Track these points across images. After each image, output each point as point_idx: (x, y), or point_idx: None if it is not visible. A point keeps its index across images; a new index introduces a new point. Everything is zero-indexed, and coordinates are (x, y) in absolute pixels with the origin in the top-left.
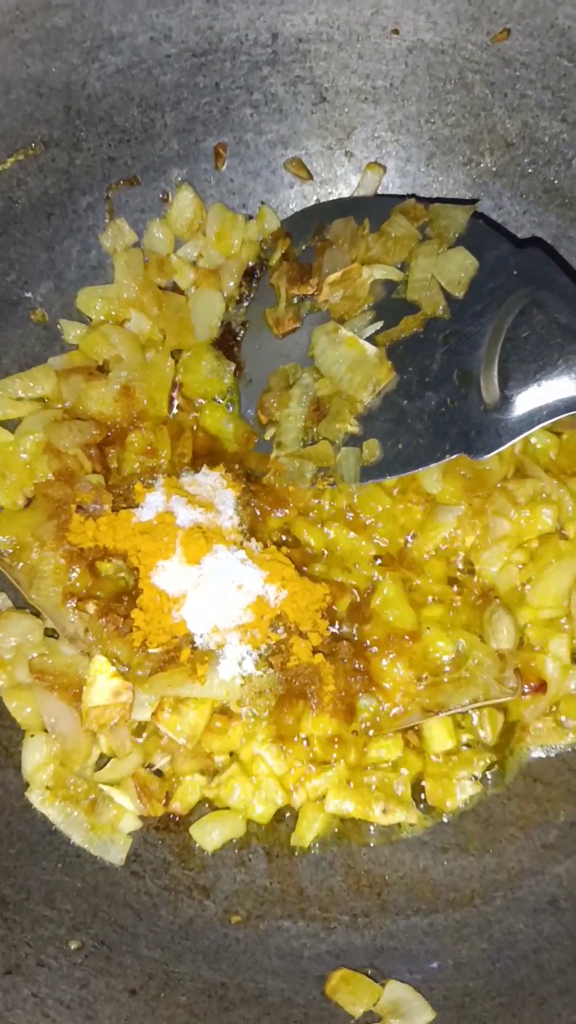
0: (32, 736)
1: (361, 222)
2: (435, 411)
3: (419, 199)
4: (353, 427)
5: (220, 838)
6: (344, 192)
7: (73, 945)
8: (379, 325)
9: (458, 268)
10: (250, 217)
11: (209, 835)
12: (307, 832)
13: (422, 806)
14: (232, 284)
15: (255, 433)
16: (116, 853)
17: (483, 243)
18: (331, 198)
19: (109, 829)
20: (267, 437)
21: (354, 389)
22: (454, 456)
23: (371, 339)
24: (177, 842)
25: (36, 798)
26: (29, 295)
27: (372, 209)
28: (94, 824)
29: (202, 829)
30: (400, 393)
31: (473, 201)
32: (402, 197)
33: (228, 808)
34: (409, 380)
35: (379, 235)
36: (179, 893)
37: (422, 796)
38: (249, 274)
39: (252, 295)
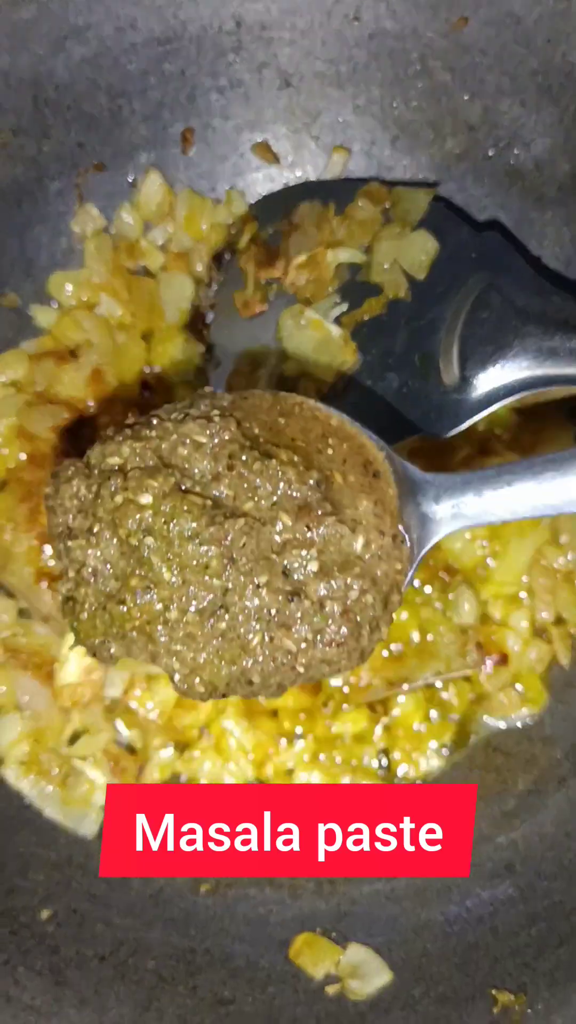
0: (6, 714)
1: (327, 205)
2: (397, 392)
3: (383, 182)
4: None
5: None
6: (311, 175)
7: (44, 914)
8: (344, 307)
9: (419, 251)
10: (218, 201)
11: None
12: None
13: (383, 773)
14: (201, 267)
15: None
16: (89, 825)
17: (444, 226)
18: (298, 181)
19: (82, 802)
20: None
21: (319, 370)
22: (416, 436)
23: (336, 321)
24: None
25: (10, 773)
26: (0, 281)
27: (337, 192)
28: (67, 798)
29: None
30: (364, 374)
31: (434, 184)
32: (366, 180)
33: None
34: (372, 361)
35: (343, 218)
36: None
37: (384, 764)
38: (218, 258)
39: (221, 278)
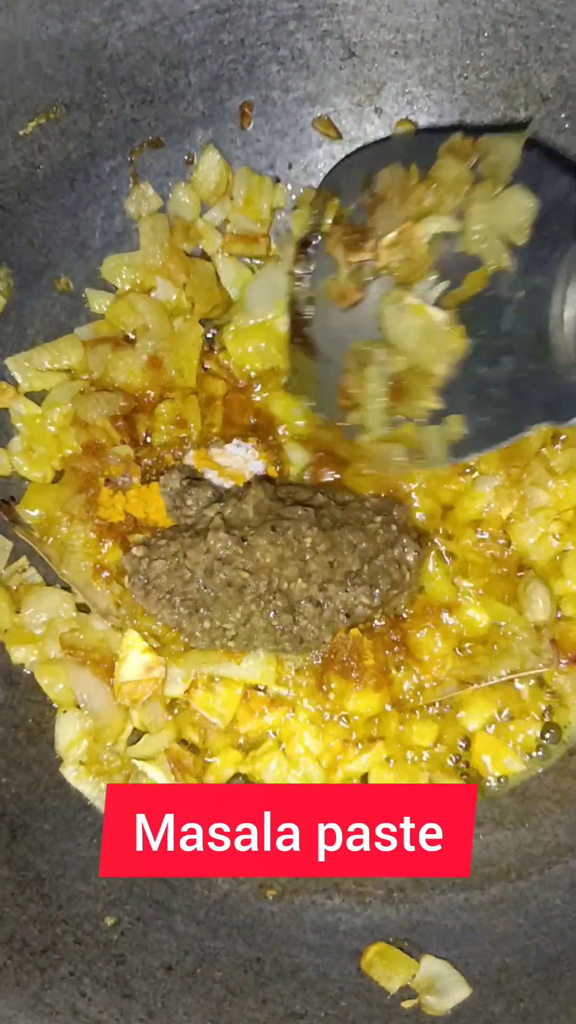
0: (65, 712)
1: (408, 167)
2: (514, 376)
3: (466, 131)
4: (435, 403)
5: None
6: None
7: (109, 921)
8: (444, 285)
9: (517, 211)
10: (278, 180)
11: None
12: None
13: (464, 777)
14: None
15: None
16: None
17: (541, 178)
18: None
19: None
20: (349, 422)
21: (429, 362)
22: (541, 426)
23: (439, 303)
24: None
25: (70, 773)
26: (53, 264)
27: (418, 151)
28: None
29: None
30: (476, 361)
31: (523, 125)
32: (446, 130)
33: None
34: (483, 345)
35: (429, 181)
36: None
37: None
38: (304, 244)
39: (311, 268)
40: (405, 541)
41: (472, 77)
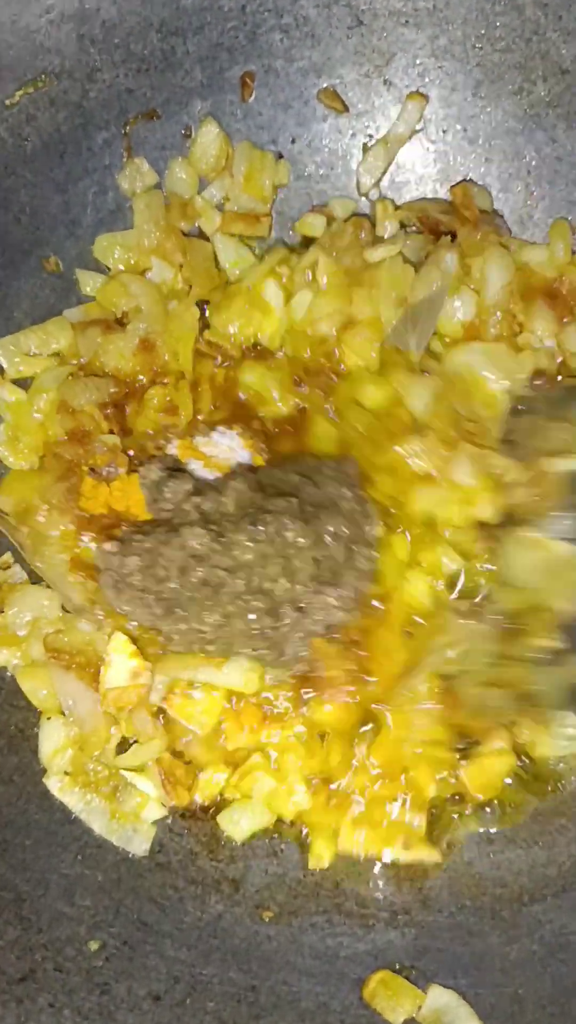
0: (49, 719)
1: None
2: None
3: None
4: (557, 642)
5: (250, 827)
6: (382, 125)
7: (93, 946)
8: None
9: None
10: (280, 155)
11: (238, 824)
12: (324, 853)
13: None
14: None
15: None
16: (140, 843)
17: None
18: (368, 131)
19: (132, 817)
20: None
21: (553, 598)
22: None
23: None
24: (204, 831)
25: (54, 784)
26: (42, 242)
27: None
28: (116, 812)
29: (230, 817)
30: None
31: None
32: None
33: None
34: None
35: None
36: (207, 887)
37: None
38: None
39: None
40: (369, 511)
41: (487, 48)
